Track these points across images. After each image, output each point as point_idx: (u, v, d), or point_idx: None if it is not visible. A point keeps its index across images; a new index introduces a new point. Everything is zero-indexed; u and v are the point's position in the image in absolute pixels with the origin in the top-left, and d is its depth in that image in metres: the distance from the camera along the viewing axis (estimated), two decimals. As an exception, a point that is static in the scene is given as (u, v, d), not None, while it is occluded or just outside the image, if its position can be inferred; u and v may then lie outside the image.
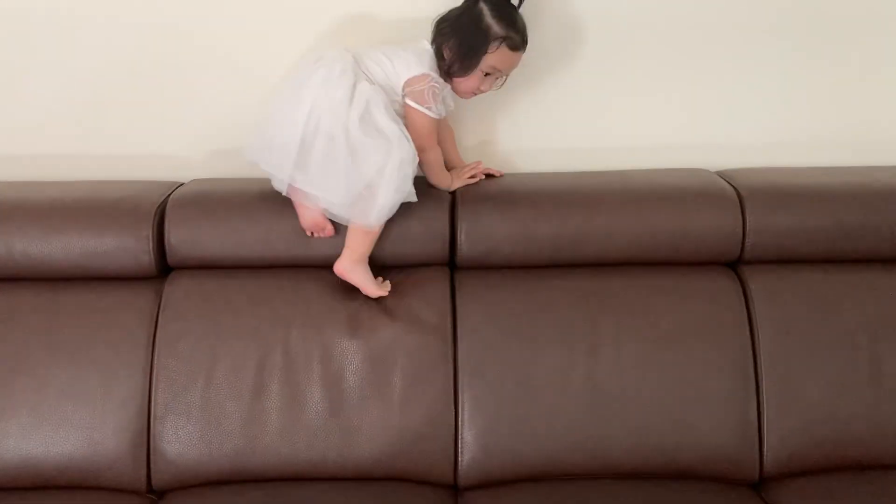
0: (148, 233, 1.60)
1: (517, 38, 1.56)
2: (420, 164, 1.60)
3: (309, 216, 1.57)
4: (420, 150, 1.56)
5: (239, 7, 1.72)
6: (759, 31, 1.77)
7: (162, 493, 1.54)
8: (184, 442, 1.52)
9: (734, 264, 1.67)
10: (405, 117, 1.58)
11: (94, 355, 1.55)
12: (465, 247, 1.63)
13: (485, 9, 1.54)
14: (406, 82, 1.56)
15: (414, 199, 1.57)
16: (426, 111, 1.56)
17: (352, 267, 1.58)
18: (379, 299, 1.59)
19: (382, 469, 1.53)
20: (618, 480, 1.53)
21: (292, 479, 1.52)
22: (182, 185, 1.71)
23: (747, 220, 1.62)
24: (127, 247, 1.60)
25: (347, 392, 1.54)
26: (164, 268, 1.64)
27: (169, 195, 1.66)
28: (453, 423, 1.55)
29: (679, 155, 1.83)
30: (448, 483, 1.55)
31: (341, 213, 1.54)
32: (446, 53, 1.57)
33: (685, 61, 1.79)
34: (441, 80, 1.58)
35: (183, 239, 1.61)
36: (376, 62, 1.57)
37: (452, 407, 1.55)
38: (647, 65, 1.79)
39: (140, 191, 1.67)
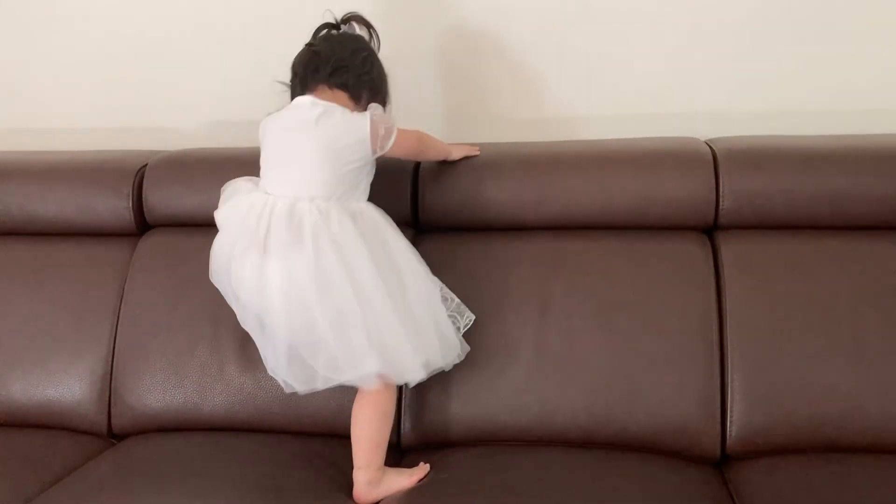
0: (129, 191, 1.69)
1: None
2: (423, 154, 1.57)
3: None
4: (419, 153, 1.54)
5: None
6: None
7: (122, 437, 1.60)
8: (141, 388, 1.58)
9: (710, 231, 1.57)
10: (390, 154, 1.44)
11: (70, 303, 1.65)
12: (427, 209, 1.62)
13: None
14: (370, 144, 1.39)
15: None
16: (396, 130, 1.41)
17: (375, 483, 1.34)
18: None
19: (325, 425, 1.53)
20: (565, 449, 1.45)
21: (238, 430, 1.54)
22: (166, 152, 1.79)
23: (722, 183, 1.52)
24: (110, 205, 1.70)
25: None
26: (144, 225, 1.72)
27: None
28: (398, 382, 1.53)
29: (675, 125, 1.75)
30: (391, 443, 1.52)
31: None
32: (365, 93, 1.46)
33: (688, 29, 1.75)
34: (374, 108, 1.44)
35: (159, 198, 1.69)
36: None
37: (398, 365, 1.53)
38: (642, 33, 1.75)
39: (127, 156, 1.77)
